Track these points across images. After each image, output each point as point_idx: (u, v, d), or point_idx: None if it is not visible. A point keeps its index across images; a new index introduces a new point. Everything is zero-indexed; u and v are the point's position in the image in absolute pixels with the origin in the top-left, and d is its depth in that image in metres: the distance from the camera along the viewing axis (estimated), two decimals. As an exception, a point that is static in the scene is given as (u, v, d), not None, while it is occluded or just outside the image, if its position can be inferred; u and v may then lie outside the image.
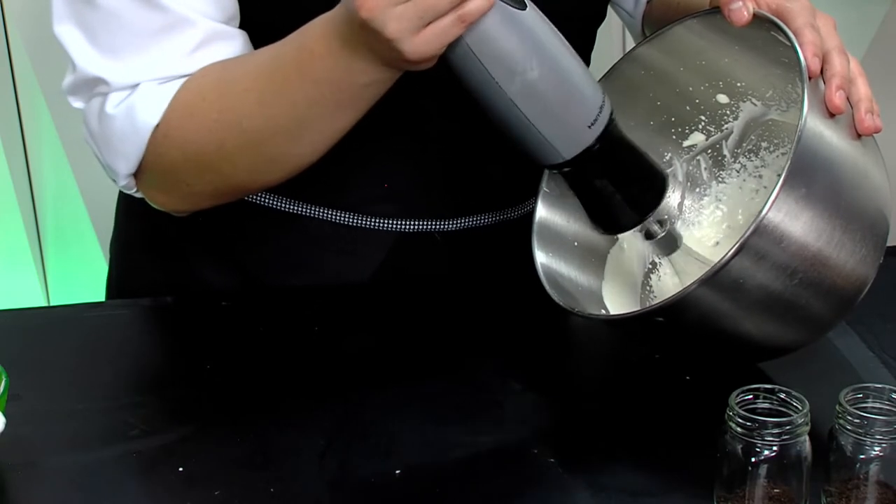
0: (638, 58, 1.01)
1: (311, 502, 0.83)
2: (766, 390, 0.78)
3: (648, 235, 0.95)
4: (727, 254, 0.82)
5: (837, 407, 0.77)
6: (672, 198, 1.06)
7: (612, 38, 1.96)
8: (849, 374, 0.96)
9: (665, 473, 0.86)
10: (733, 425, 0.76)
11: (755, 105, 1.02)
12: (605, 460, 0.87)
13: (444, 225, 1.10)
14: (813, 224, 0.85)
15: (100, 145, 0.99)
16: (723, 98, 1.03)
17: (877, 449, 0.76)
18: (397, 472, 0.85)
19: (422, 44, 0.82)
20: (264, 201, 1.09)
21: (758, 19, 0.91)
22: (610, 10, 1.17)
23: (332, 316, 1.07)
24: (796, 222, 0.84)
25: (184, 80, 0.96)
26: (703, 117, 1.04)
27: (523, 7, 0.83)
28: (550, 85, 0.84)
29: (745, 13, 0.91)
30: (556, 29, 0.84)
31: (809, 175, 0.85)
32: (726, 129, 1.04)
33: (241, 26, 0.99)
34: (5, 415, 0.83)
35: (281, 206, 1.08)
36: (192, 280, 1.14)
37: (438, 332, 1.05)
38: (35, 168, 2.06)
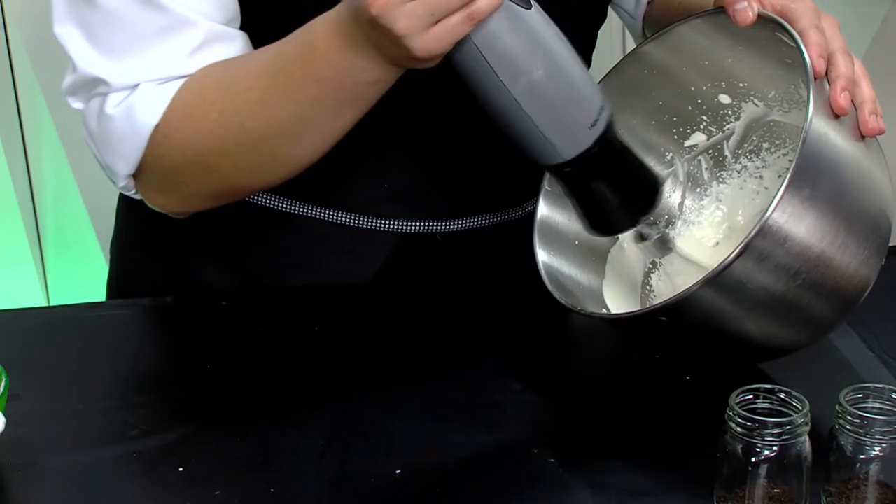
0: (640, 57, 1.01)
1: (311, 502, 0.83)
2: (766, 390, 0.78)
3: (641, 237, 0.95)
4: (731, 254, 0.82)
5: (837, 407, 0.77)
6: (673, 197, 1.06)
7: (613, 38, 1.96)
8: (849, 374, 0.96)
9: (665, 473, 0.86)
10: (733, 425, 0.76)
11: (757, 106, 1.02)
12: (605, 460, 0.87)
13: (444, 225, 1.10)
14: (817, 225, 0.85)
15: (99, 146, 0.99)
16: (725, 98, 1.03)
17: (877, 449, 0.76)
18: (397, 472, 0.85)
19: (431, 41, 0.82)
20: (264, 202, 1.09)
21: (762, 20, 0.91)
22: (610, 10, 1.17)
23: (332, 316, 1.07)
24: (800, 223, 0.84)
25: (184, 80, 0.96)
26: (704, 117, 1.04)
27: (528, 6, 0.83)
28: (554, 85, 0.84)
29: (751, 13, 0.91)
30: (558, 29, 0.85)
31: (814, 176, 0.84)
32: (728, 129, 1.04)
33: (243, 28, 0.99)
34: (5, 415, 0.83)
35: (281, 207, 1.08)
36: (193, 280, 1.14)
37: (439, 332, 1.05)
38: (35, 168, 2.06)
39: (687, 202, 1.06)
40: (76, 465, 0.87)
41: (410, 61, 0.85)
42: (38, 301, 2.08)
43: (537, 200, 1.00)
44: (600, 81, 1.00)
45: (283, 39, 0.92)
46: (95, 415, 0.93)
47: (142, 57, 0.95)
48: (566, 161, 0.86)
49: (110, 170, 1.00)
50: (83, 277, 2.10)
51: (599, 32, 1.14)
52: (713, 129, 1.05)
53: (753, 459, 0.76)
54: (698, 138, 1.05)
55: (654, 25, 1.16)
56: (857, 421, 0.76)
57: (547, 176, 1.00)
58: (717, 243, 1.04)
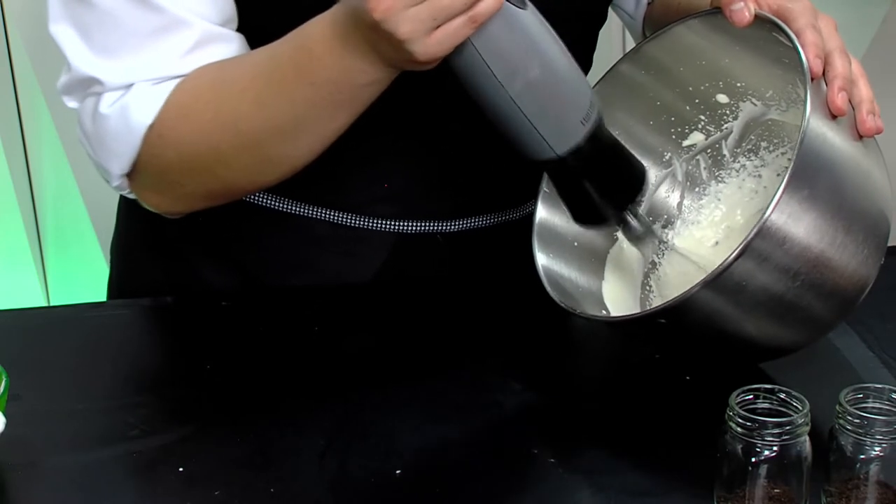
0: (638, 57, 1.01)
1: (311, 502, 0.83)
2: (766, 390, 0.78)
3: (627, 229, 0.95)
4: (730, 256, 0.82)
5: (837, 407, 0.77)
6: (671, 198, 1.06)
7: (612, 38, 1.96)
8: (849, 374, 0.96)
9: (665, 473, 0.86)
10: (733, 425, 0.76)
11: (755, 105, 1.02)
12: (605, 460, 0.87)
13: (444, 226, 1.10)
14: (816, 225, 0.85)
15: (93, 145, 0.99)
16: (722, 98, 1.03)
17: (877, 449, 0.76)
18: (397, 472, 0.85)
19: (433, 45, 0.82)
20: (264, 202, 1.08)
21: (759, 20, 0.91)
22: (610, 11, 1.17)
23: (332, 316, 1.07)
24: (799, 224, 0.84)
25: (179, 80, 0.96)
26: (702, 117, 1.04)
27: (524, 6, 0.83)
28: (549, 82, 0.85)
29: (747, 14, 0.91)
30: (550, 27, 0.85)
31: (812, 176, 0.84)
32: (726, 128, 1.04)
33: (241, 29, 0.99)
34: (5, 415, 0.83)
35: (281, 207, 1.08)
36: (193, 280, 1.14)
37: (439, 332, 1.05)
38: (35, 168, 2.06)
39: (686, 202, 1.06)
40: (76, 465, 0.87)
41: (410, 64, 0.85)
42: (38, 301, 2.08)
43: (536, 202, 1.00)
44: (596, 84, 1.00)
45: (278, 40, 0.92)
46: (95, 415, 0.93)
47: (136, 57, 0.95)
48: (559, 156, 0.87)
49: (104, 169, 1.00)
50: (83, 277, 2.11)
51: (599, 33, 1.13)
52: (711, 129, 1.05)
53: (753, 459, 0.76)
54: (696, 138, 1.05)
55: (654, 26, 1.16)
56: (857, 421, 0.76)
57: (545, 178, 1.00)
58: (717, 243, 1.04)
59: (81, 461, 0.88)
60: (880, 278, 0.91)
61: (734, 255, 0.82)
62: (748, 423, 0.76)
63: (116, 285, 1.22)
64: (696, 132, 1.05)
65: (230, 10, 0.98)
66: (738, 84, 1.02)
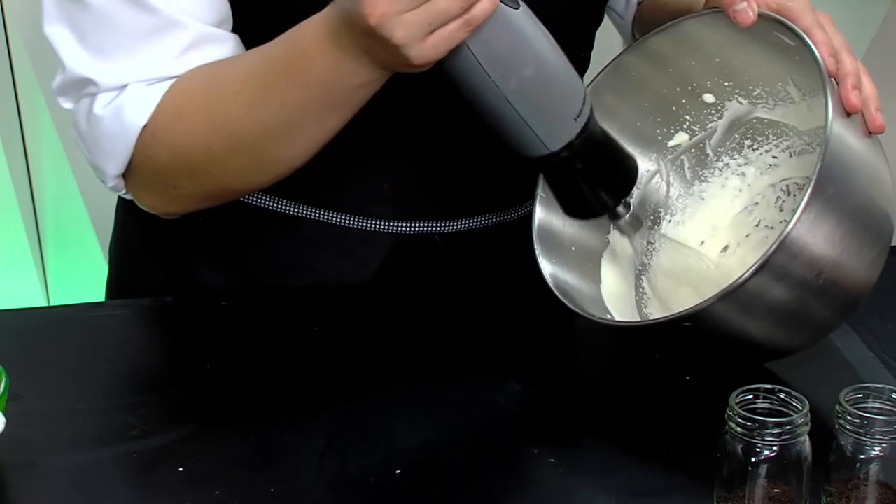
0: (634, 56, 1.01)
1: (311, 502, 0.83)
2: (766, 390, 0.78)
3: (614, 216, 0.95)
4: (748, 271, 0.82)
5: (837, 407, 0.77)
6: (657, 197, 1.06)
7: (613, 39, 1.95)
8: (849, 374, 0.96)
9: (665, 473, 0.86)
10: (733, 425, 0.76)
11: (741, 104, 1.02)
12: (605, 460, 0.87)
13: (442, 226, 1.10)
14: (833, 233, 0.84)
15: (88, 146, 0.99)
16: (709, 97, 1.03)
17: (877, 449, 0.76)
18: (397, 472, 0.85)
19: (428, 49, 0.82)
20: (263, 202, 1.08)
21: (762, 19, 0.91)
22: (607, 11, 1.17)
23: (332, 316, 1.07)
24: (817, 233, 0.83)
25: (173, 81, 0.96)
26: (688, 117, 1.04)
27: (517, 6, 0.83)
28: (543, 81, 0.85)
29: (751, 13, 0.91)
30: (543, 26, 0.85)
31: (832, 180, 0.84)
32: (710, 127, 1.04)
33: (236, 30, 0.99)
34: (5, 415, 0.83)
35: (279, 208, 1.08)
36: (192, 281, 1.14)
37: (438, 332, 1.05)
38: (35, 168, 2.06)
39: (671, 201, 1.06)
40: (76, 465, 0.87)
41: (404, 68, 0.85)
42: (38, 301, 2.08)
43: (534, 206, 1.00)
44: (588, 85, 1.00)
45: (270, 42, 0.92)
46: (95, 415, 0.93)
47: (131, 58, 0.95)
48: (552, 152, 0.87)
49: (100, 170, 1.00)
50: (83, 277, 2.11)
51: (598, 34, 1.13)
52: (696, 129, 1.05)
53: (753, 459, 0.76)
54: (681, 138, 1.05)
55: (643, 27, 1.16)
56: (857, 421, 0.76)
57: (541, 183, 1.00)
58: (703, 242, 1.04)
59: (81, 461, 0.88)
60: (881, 278, 0.91)
61: (752, 270, 0.82)
62: (748, 423, 0.76)
63: (115, 286, 1.22)
64: (681, 132, 1.05)
65: (225, 10, 0.98)
66: (727, 84, 1.01)
